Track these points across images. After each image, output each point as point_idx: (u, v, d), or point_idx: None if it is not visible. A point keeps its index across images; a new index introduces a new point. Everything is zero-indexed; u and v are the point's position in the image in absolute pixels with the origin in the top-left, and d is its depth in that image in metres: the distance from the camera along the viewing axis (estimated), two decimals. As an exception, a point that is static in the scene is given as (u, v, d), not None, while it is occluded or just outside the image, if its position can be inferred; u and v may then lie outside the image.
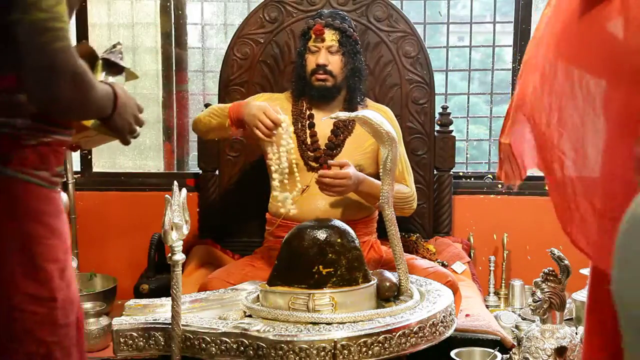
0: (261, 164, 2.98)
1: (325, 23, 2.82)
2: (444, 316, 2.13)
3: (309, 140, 2.85)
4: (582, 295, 3.00)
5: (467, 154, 3.85)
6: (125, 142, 1.56)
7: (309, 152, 2.84)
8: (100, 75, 1.57)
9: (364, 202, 2.77)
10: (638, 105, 1.32)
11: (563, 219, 1.50)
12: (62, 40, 1.29)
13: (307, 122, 2.88)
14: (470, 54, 3.83)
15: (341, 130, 2.86)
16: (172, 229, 1.93)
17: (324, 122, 2.83)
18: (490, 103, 3.85)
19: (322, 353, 1.92)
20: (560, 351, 2.38)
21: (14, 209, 1.38)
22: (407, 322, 2.03)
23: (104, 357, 2.91)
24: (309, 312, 2.05)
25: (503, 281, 3.53)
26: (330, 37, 2.81)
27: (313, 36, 2.82)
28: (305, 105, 2.90)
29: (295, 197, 2.71)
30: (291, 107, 2.92)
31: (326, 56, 2.80)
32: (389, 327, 1.99)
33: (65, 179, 1.58)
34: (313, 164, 2.83)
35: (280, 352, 1.93)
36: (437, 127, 3.41)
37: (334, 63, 2.81)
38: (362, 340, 1.95)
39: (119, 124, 1.50)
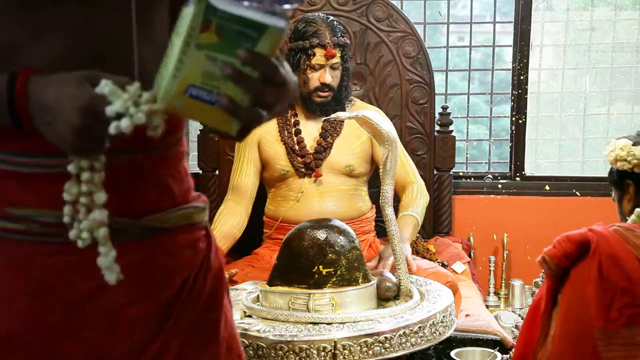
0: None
1: (332, 44, 2.78)
2: (444, 316, 2.13)
3: (296, 147, 2.85)
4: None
5: (467, 154, 3.85)
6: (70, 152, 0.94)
7: (298, 158, 2.84)
8: None
9: (358, 200, 2.83)
10: None
11: None
12: None
13: (294, 129, 2.87)
14: (470, 54, 3.83)
15: (329, 132, 2.86)
16: (172, 229, 1.94)
17: (311, 126, 2.85)
18: (490, 103, 3.85)
19: (322, 353, 1.92)
20: (560, 351, 2.38)
21: None
22: (407, 322, 2.03)
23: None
24: (309, 312, 2.05)
25: (503, 281, 3.53)
26: (335, 55, 2.80)
27: (318, 55, 2.78)
28: (290, 112, 2.90)
29: (293, 205, 2.75)
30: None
31: (330, 73, 2.79)
32: (389, 327, 1.99)
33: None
34: (303, 169, 2.84)
35: (280, 352, 1.93)
36: (437, 127, 3.41)
37: (335, 78, 2.80)
38: (362, 340, 1.95)
39: (47, 136, 0.92)
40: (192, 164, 3.82)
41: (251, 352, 1.96)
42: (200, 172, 3.43)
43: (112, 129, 0.88)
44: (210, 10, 0.88)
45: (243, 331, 1.99)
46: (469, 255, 3.40)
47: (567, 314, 1.79)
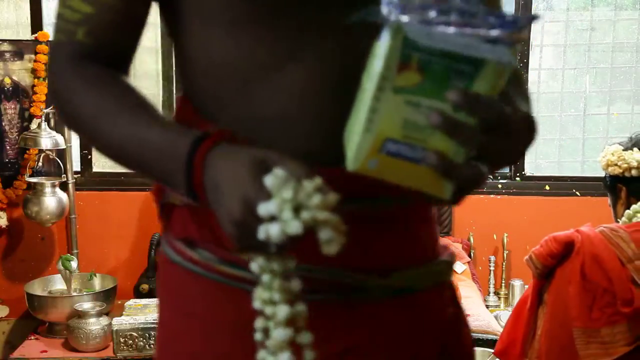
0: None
1: None
2: (444, 316, 2.13)
3: None
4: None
5: (467, 154, 3.85)
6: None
7: None
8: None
9: None
10: None
11: None
12: (56, 33, 0.89)
13: None
14: (470, 54, 3.83)
15: None
16: (172, 229, 1.94)
17: None
18: (490, 103, 3.85)
19: (322, 353, 1.92)
20: (560, 351, 2.38)
21: (158, 284, 0.98)
22: (407, 322, 2.02)
23: (103, 357, 2.91)
24: (309, 312, 2.05)
25: (503, 281, 3.53)
26: None
27: None
28: None
29: None
30: None
31: None
32: (389, 327, 1.99)
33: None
34: None
35: (280, 352, 1.93)
36: (437, 127, 3.41)
37: None
38: (362, 340, 1.95)
39: (215, 209, 0.76)
40: (192, 164, 3.82)
41: (251, 352, 1.97)
42: (201, 172, 3.43)
43: (261, 232, 0.69)
44: (409, 44, 0.68)
45: (243, 331, 1.99)
46: (469, 255, 3.40)
47: (553, 313, 1.82)
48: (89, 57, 0.87)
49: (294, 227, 0.67)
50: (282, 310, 0.73)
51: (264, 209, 0.69)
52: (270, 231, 0.68)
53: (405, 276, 0.89)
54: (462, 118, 0.70)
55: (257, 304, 0.74)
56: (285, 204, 0.68)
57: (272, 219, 0.69)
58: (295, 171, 0.70)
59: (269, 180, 0.69)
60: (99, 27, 0.87)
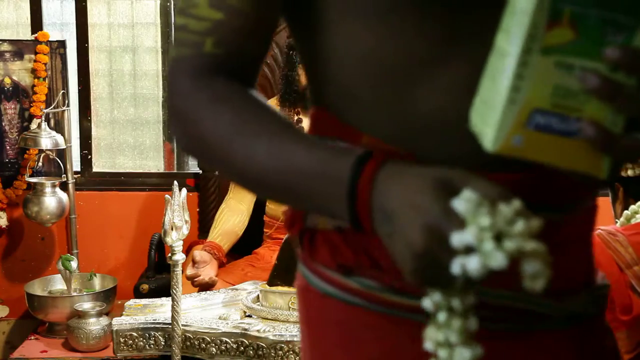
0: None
1: None
2: (444, 316, 2.14)
3: None
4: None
5: (467, 154, 3.85)
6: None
7: None
8: None
9: None
10: None
11: None
12: (179, 47, 0.79)
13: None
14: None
15: None
16: (172, 229, 1.94)
17: None
18: (490, 103, 3.85)
19: (322, 353, 1.92)
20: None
21: (301, 313, 0.87)
22: (407, 322, 2.03)
23: (103, 357, 2.92)
24: (309, 312, 2.06)
25: (503, 281, 3.54)
26: None
27: None
28: (293, 110, 2.90)
29: None
30: None
31: None
32: (389, 327, 1.99)
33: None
34: None
35: (280, 352, 1.93)
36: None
37: None
38: (362, 340, 1.95)
39: (387, 241, 0.66)
40: (192, 164, 3.83)
41: (251, 352, 1.97)
42: (200, 172, 3.44)
43: (456, 267, 0.59)
44: None
45: (243, 331, 1.99)
46: (469, 255, 3.41)
47: None
48: (216, 69, 0.77)
49: (499, 260, 0.57)
50: (463, 355, 0.63)
51: (459, 239, 0.59)
52: (468, 265, 0.59)
53: (580, 300, 0.78)
54: (620, 79, 0.59)
55: (428, 346, 0.64)
56: (485, 233, 0.58)
57: (468, 250, 0.59)
58: (488, 192, 0.60)
59: (461, 205, 0.60)
60: (229, 36, 0.77)
